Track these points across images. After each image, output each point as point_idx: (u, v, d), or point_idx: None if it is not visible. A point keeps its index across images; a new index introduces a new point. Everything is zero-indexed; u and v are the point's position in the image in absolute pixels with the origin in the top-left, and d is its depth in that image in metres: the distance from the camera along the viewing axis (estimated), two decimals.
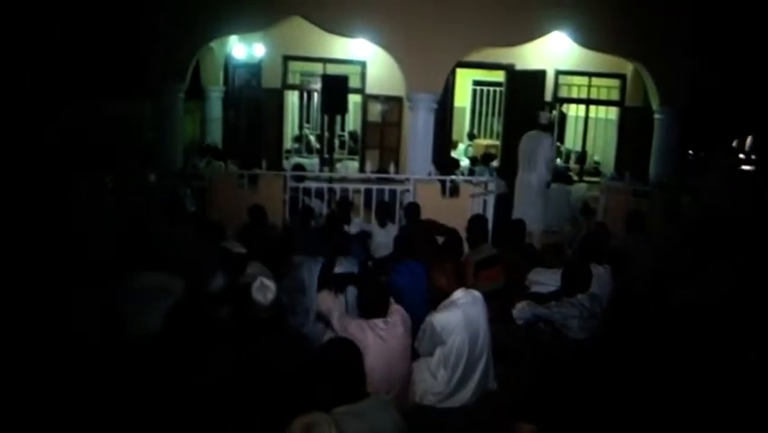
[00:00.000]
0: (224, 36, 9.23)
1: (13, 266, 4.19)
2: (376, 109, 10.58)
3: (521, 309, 4.23)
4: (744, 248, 5.26)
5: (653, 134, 9.24)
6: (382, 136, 10.64)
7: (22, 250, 4.51)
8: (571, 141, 12.13)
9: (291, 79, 10.68)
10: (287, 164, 9.59)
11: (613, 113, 11.18)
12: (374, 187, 7.18)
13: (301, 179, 7.38)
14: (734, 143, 13.31)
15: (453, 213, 6.43)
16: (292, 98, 11.91)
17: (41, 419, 2.92)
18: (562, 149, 11.83)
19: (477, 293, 3.77)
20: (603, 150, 11.67)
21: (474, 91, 13.57)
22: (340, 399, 2.53)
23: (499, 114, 11.97)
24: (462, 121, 13.44)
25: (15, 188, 5.33)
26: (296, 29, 9.08)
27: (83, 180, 6.10)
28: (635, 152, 10.07)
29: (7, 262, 4.25)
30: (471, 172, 9.91)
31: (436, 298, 3.77)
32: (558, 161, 10.73)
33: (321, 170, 8.55)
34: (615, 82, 10.78)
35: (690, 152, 11.72)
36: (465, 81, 12.76)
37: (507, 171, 8.79)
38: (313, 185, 7.34)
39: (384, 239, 6.21)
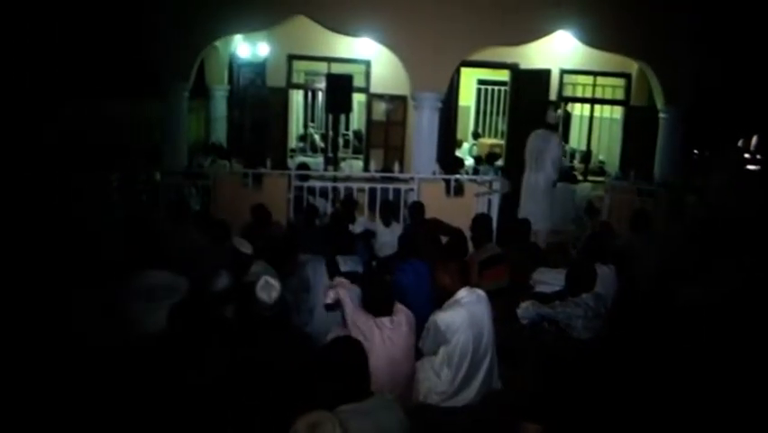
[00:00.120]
0: (229, 35, 9.23)
1: (13, 266, 4.20)
2: (380, 108, 10.58)
3: (525, 309, 4.23)
4: (749, 247, 5.24)
5: (658, 134, 9.20)
6: (387, 135, 10.64)
7: (23, 249, 4.51)
8: (576, 140, 12.12)
9: (296, 78, 10.69)
10: (291, 163, 9.62)
11: (618, 112, 11.16)
12: (378, 186, 7.17)
13: (306, 178, 7.40)
14: (739, 143, 13.23)
15: (458, 212, 6.42)
16: (297, 97, 11.93)
17: (41, 419, 2.92)
18: (567, 148, 11.81)
19: (481, 292, 3.76)
20: (608, 149, 11.65)
21: (479, 90, 13.57)
22: (344, 398, 2.53)
23: (504, 113, 11.98)
24: (467, 120, 13.43)
25: (15, 187, 5.33)
26: (300, 28, 9.09)
27: (83, 180, 6.10)
28: (639, 152, 10.05)
29: (8, 261, 4.26)
30: (476, 171, 9.89)
31: (440, 297, 3.76)
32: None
33: (325, 169, 8.57)
34: (620, 81, 10.76)
35: (695, 151, 11.66)
36: (470, 80, 12.76)
37: (512, 170, 8.76)
38: (317, 184, 7.34)
39: (388, 238, 6.21)
